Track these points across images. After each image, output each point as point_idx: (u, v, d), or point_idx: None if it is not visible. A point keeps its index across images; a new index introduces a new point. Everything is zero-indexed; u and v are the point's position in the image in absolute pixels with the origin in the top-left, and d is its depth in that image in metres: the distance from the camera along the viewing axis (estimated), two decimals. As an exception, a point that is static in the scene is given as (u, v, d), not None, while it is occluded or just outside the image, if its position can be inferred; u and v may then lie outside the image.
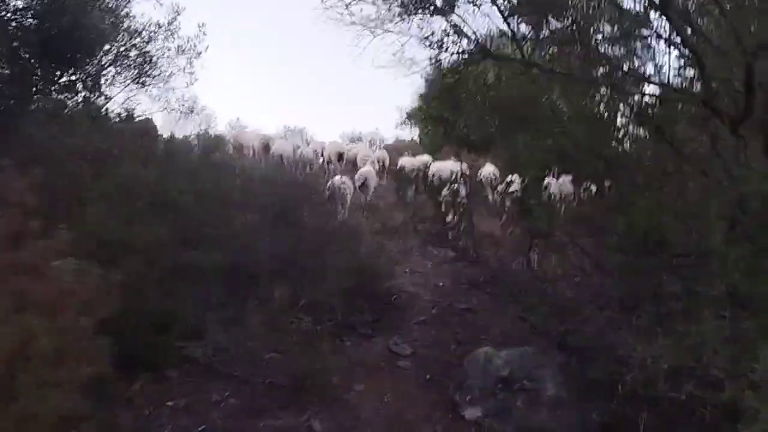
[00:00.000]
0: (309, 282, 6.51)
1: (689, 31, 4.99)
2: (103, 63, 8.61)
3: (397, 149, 16.82)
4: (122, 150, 5.08)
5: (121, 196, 4.71)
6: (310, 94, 36.40)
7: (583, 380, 4.61)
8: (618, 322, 4.84)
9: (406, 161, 12.28)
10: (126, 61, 8.48)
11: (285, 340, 5.44)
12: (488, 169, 9.51)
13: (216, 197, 6.03)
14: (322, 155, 15.81)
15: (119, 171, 4.86)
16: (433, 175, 11.23)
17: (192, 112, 9.54)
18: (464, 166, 11.64)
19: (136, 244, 4.37)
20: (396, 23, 5.23)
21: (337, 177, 11.32)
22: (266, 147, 13.45)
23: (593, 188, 5.34)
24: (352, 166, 14.85)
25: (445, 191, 5.06)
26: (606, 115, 5.65)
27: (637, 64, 5.37)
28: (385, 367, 5.90)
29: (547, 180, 6.22)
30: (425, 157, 12.82)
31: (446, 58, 5.08)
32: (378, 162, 13.25)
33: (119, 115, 8.81)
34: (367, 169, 11.26)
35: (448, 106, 5.41)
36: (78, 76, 8.62)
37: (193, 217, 5.43)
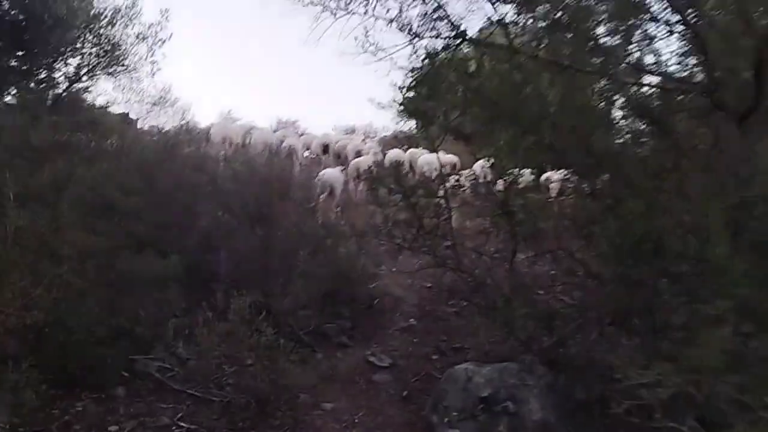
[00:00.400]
0: (280, 287, 6.05)
1: (692, 13, 4.52)
2: (62, 49, 8.09)
3: (391, 143, 16.36)
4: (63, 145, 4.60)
5: (55, 196, 4.23)
6: (307, 86, 35.72)
7: (572, 403, 4.16)
8: (611, 336, 4.39)
9: (392, 154, 11.83)
10: (88, 47, 7.98)
11: (247, 353, 4.96)
12: (477, 165, 9.08)
13: (176, 196, 5.55)
14: (308, 148, 15.47)
15: (56, 168, 4.37)
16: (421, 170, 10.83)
17: (164, 103, 9.12)
18: (453, 159, 11.18)
19: (61, 251, 3.89)
20: (361, 3, 4.74)
21: (328, 170, 10.99)
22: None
23: (584, 187, 4.85)
24: (344, 159, 14.44)
25: (420, 191, 4.58)
26: (598, 106, 5.17)
27: (633, 50, 4.89)
28: (360, 381, 5.44)
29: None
30: (416, 150, 12.35)
31: (421, 44, 4.62)
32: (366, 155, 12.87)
33: (92, 106, 8.40)
34: (330, 171, 10.69)
35: (425, 98, 4.91)
36: (43, 64, 8.17)
37: (144, 219, 4.95)
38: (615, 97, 5.14)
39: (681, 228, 4.14)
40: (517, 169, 4.73)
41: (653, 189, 4.44)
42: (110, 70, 8.13)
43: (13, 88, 8.15)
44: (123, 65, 7.90)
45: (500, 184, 4.90)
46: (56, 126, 5.05)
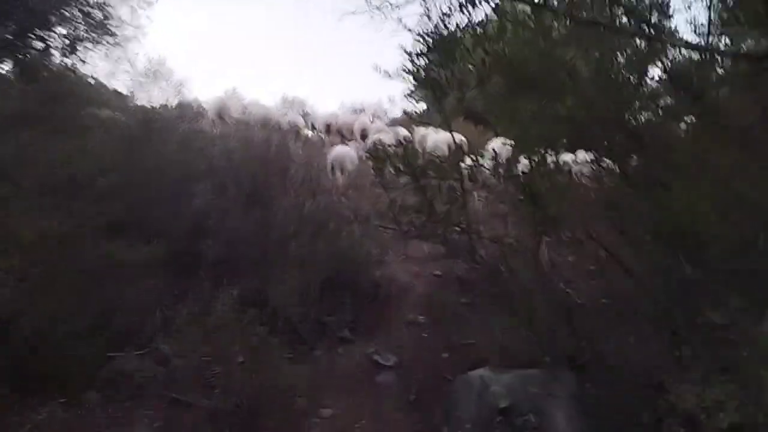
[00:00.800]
0: (276, 274, 5.52)
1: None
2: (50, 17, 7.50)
3: (402, 123, 15.73)
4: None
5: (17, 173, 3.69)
6: (316, 65, 34.92)
7: (604, 416, 3.61)
8: (649, 340, 3.83)
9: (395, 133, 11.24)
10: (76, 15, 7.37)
11: (238, 351, 4.43)
12: (494, 145, 8.46)
13: (162, 175, 5.00)
14: (314, 127, 14.95)
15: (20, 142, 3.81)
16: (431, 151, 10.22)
17: (157, 76, 8.52)
18: (463, 138, 10.56)
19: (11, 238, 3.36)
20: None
21: (341, 146, 10.54)
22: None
23: (615, 169, 4.26)
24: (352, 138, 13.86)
25: (431, 173, 4.01)
26: (634, 76, 4.55)
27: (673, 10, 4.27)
28: (363, 381, 4.93)
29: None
30: (423, 130, 11.74)
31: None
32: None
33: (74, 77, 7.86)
34: (342, 148, 10.34)
35: (439, 65, 4.31)
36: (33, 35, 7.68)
37: (124, 200, 4.41)
38: (653, 63, 4.53)
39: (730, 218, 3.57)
40: (543, 148, 4.13)
41: (697, 172, 3.86)
42: (98, 39, 7.56)
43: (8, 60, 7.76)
44: (109, 32, 7.29)
45: (522, 165, 4.32)
46: (26, 95, 4.49)
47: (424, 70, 4.39)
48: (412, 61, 4.33)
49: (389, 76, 4.27)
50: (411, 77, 4.30)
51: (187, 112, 7.35)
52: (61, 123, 4.26)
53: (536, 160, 3.95)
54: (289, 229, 5.98)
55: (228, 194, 5.93)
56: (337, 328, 5.70)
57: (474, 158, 4.46)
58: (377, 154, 4.37)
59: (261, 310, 5.10)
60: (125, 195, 4.52)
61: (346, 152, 9.96)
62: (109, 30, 7.87)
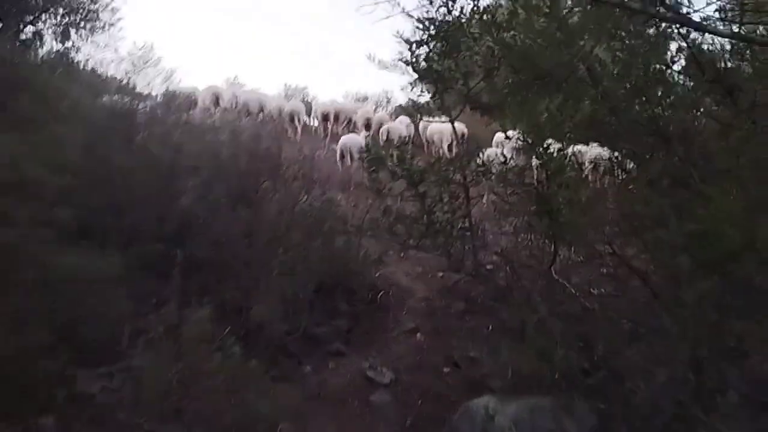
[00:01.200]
0: (264, 280, 5.06)
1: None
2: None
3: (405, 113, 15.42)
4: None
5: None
6: (320, 53, 34.44)
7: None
8: (676, 365, 3.37)
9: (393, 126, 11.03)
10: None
11: (213, 371, 3.97)
12: (499, 138, 8.00)
13: (133, 174, 4.53)
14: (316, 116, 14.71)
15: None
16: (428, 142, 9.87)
17: (143, 63, 8.12)
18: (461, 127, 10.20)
19: None
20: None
21: (350, 135, 10.91)
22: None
23: (642, 174, 3.78)
24: (353, 128, 13.53)
25: (431, 177, 3.53)
26: (664, 70, 4.04)
27: None
28: (355, 402, 4.49)
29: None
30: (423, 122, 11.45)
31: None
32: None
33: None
34: (351, 136, 10.49)
35: (441, 55, 3.82)
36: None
37: (86, 203, 3.95)
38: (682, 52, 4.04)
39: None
40: (557, 148, 3.65)
41: (740, 180, 3.38)
42: (80, 24, 7.18)
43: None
44: (85, 14, 6.89)
45: (533, 164, 3.84)
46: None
47: (425, 61, 3.90)
48: (411, 51, 3.84)
49: (385, 67, 3.79)
50: (410, 68, 3.81)
51: (172, 101, 6.85)
52: (19, 116, 3.79)
53: (550, 164, 3.48)
54: (279, 229, 5.52)
55: (212, 193, 5.45)
56: (329, 340, 5.25)
57: (479, 160, 3.97)
58: (372, 155, 3.88)
59: (244, 320, 4.70)
60: (91, 197, 4.06)
61: (355, 140, 10.09)
62: (96, 15, 7.50)
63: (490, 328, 4.51)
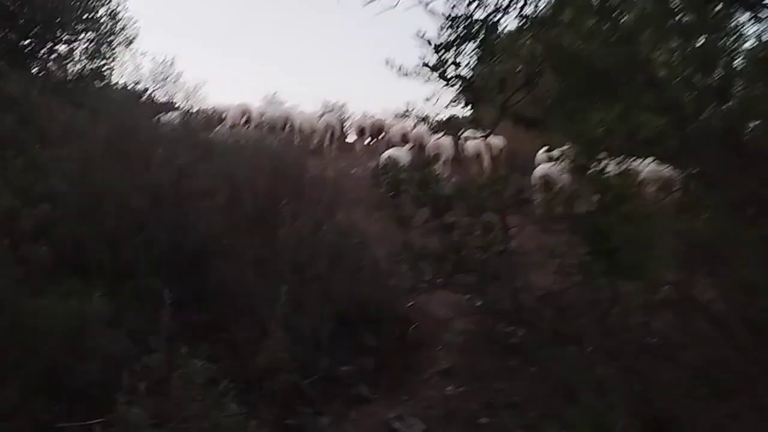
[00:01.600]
0: (278, 317, 4.54)
1: None
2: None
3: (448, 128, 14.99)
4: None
5: None
6: (362, 69, 34.39)
7: None
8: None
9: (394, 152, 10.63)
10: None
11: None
12: (541, 159, 7.36)
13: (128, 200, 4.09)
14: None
15: None
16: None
17: (163, 78, 7.87)
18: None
19: None
20: None
21: (390, 149, 10.77)
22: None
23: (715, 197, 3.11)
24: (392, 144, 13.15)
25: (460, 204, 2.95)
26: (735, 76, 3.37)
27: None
28: (378, 464, 3.91)
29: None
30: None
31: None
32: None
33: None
34: (396, 150, 10.31)
35: (475, 61, 3.24)
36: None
37: (66, 237, 3.51)
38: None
39: None
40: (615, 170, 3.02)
41: None
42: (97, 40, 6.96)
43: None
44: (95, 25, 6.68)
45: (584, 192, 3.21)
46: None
47: (455, 66, 3.32)
48: (438, 55, 3.27)
49: (405, 74, 3.24)
50: (437, 75, 3.24)
51: (192, 120, 6.46)
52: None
53: (608, 188, 2.85)
54: (298, 258, 5.00)
55: (226, 218, 5.00)
56: (353, 382, 4.67)
57: (519, 188, 3.37)
58: (385, 178, 3.34)
59: (253, 363, 4.18)
60: (64, 230, 3.61)
61: (398, 154, 9.93)
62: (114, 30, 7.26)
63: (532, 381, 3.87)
